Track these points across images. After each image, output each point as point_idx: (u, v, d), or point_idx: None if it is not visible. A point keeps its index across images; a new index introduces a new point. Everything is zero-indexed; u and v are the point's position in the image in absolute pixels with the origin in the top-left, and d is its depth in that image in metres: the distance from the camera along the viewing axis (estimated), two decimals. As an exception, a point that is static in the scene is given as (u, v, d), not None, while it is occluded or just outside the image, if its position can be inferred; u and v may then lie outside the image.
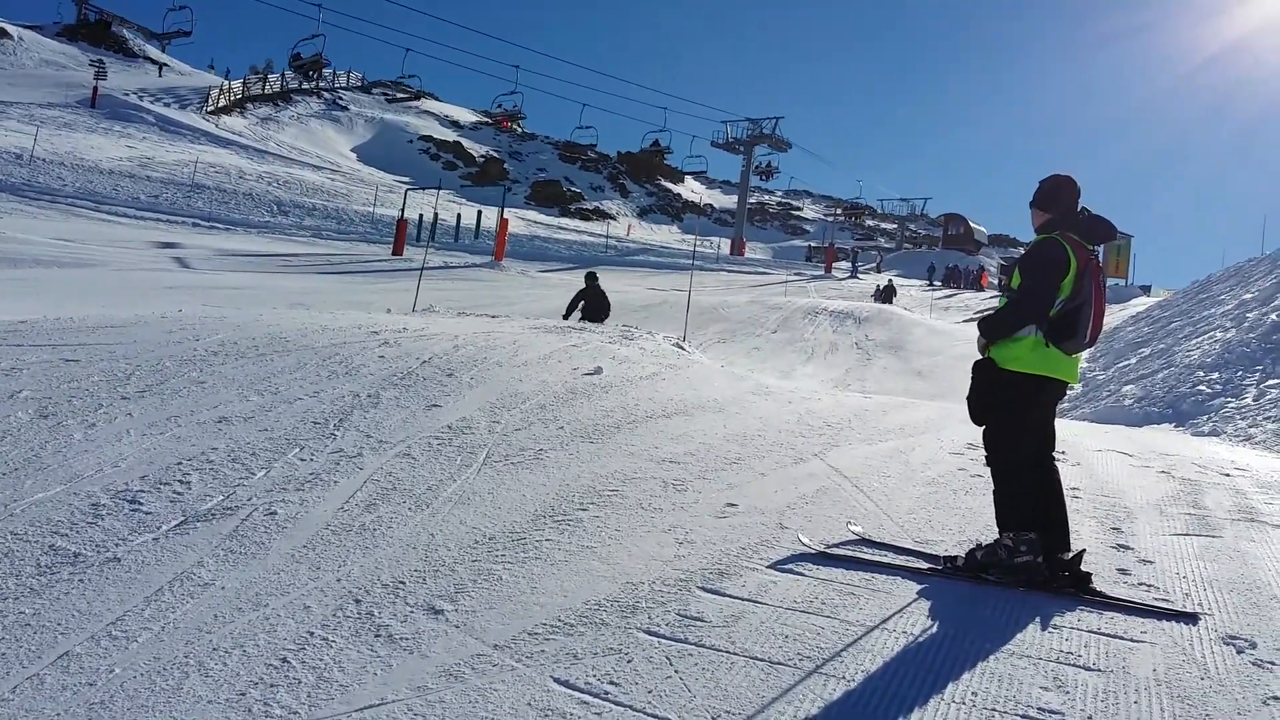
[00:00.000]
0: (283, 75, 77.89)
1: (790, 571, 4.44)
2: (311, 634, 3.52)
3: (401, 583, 4.03)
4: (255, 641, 3.43)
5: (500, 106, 63.65)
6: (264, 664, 3.28)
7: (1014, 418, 4.54)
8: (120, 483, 4.92)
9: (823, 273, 52.95)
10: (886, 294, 39.69)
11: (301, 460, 5.56)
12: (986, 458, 4.68)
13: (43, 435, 5.61)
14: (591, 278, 18.64)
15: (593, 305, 18.03)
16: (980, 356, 4.70)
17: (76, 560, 4.02)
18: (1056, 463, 4.72)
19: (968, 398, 4.70)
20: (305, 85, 68.41)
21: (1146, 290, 53.10)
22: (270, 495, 4.95)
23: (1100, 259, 4.74)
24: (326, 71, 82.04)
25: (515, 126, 68.96)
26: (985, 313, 4.98)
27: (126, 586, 3.82)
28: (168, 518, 4.54)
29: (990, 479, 4.67)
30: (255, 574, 4.03)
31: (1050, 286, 4.45)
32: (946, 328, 28.84)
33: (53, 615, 3.54)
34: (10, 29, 70.22)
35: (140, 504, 4.66)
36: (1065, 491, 4.69)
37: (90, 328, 8.97)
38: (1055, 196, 4.68)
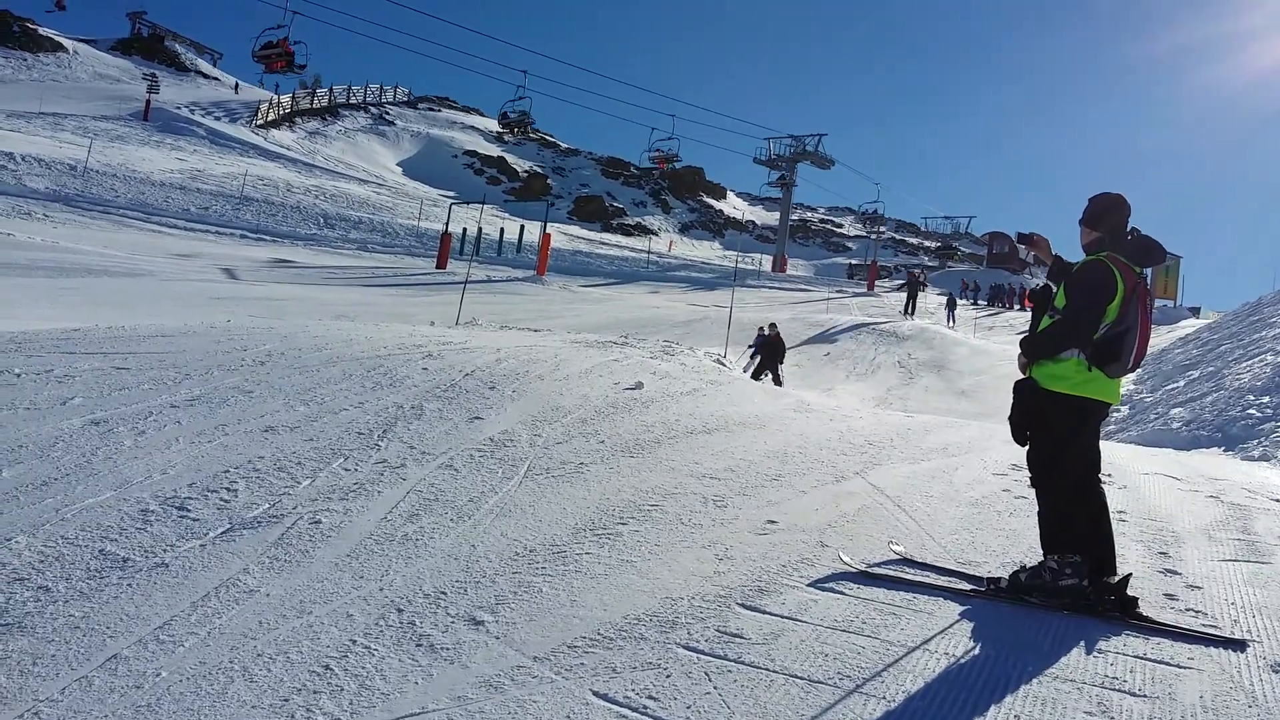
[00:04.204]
0: (330, 90, 79.07)
1: (831, 590, 4.42)
2: (354, 642, 3.55)
3: (443, 593, 4.06)
4: (299, 648, 3.47)
5: (658, 150, 66.59)
6: (307, 671, 3.31)
7: (1057, 438, 4.48)
8: (169, 489, 5.00)
9: (865, 290, 52.62)
10: (913, 288, 38.14)
11: (346, 470, 5.62)
12: (1030, 479, 4.63)
13: (94, 441, 5.71)
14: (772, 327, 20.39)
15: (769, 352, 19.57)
16: (1022, 376, 4.66)
17: (125, 565, 4.09)
18: (1103, 485, 4.65)
19: (1010, 418, 4.66)
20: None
21: (1195, 312, 52.33)
22: (315, 504, 5.00)
23: (1148, 281, 4.67)
24: (373, 86, 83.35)
25: (670, 167, 71.92)
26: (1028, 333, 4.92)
27: (174, 592, 3.88)
28: (215, 525, 4.60)
29: (1035, 500, 4.62)
30: (299, 582, 4.08)
31: (1096, 311, 4.39)
32: (990, 347, 28.56)
33: (101, 618, 3.60)
34: (66, 42, 71.91)
35: (188, 511, 4.73)
36: (1112, 515, 4.62)
37: (141, 337, 9.12)
38: (1105, 215, 4.61)
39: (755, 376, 18.75)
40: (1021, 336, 4.87)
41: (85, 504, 4.71)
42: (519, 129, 63.50)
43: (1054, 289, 4.75)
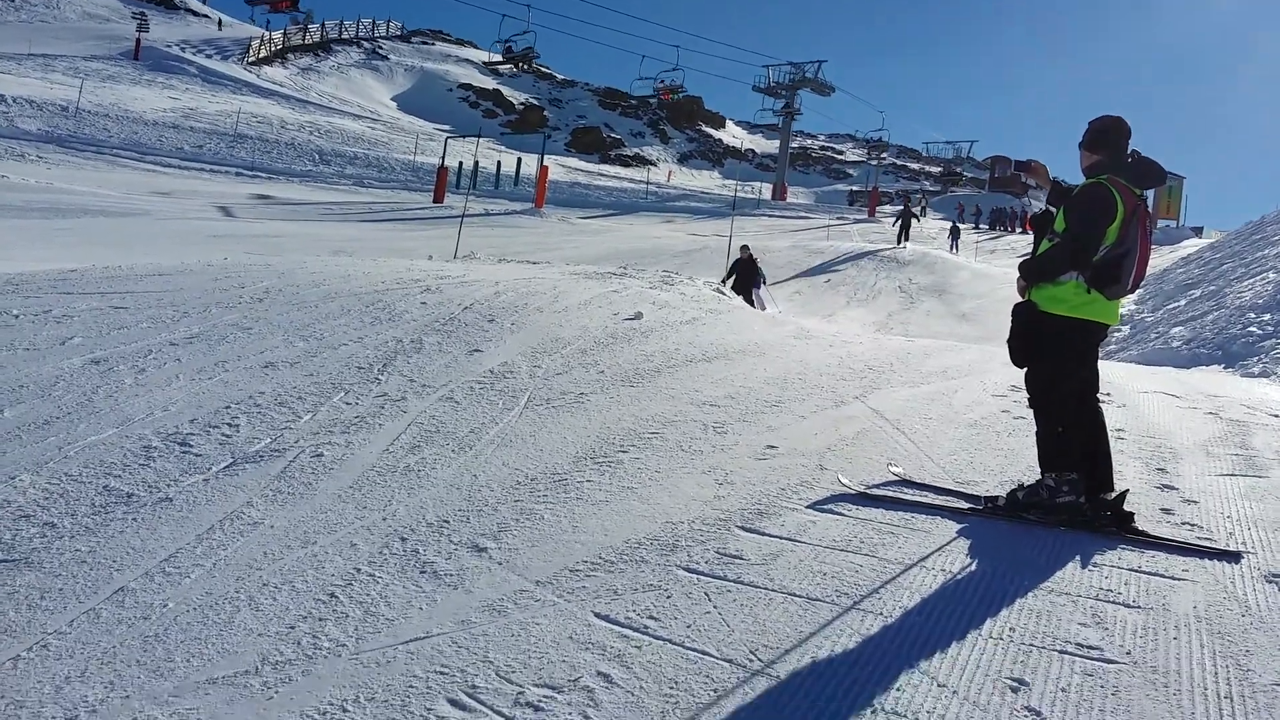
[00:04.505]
0: (323, 25, 77.91)
1: (829, 511, 4.45)
2: (358, 570, 3.60)
3: (446, 521, 4.10)
4: (304, 577, 3.51)
5: (663, 81, 65.96)
6: (312, 599, 3.36)
7: (1056, 360, 4.49)
8: (170, 426, 5.02)
9: (866, 216, 52.21)
10: (905, 217, 35.12)
11: (347, 404, 5.64)
12: (1029, 400, 4.65)
13: (94, 380, 5.73)
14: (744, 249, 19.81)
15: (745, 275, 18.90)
16: (1021, 299, 4.66)
17: (130, 500, 4.12)
18: (1101, 404, 4.67)
19: (1008, 340, 4.66)
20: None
21: (1198, 232, 52.06)
22: (317, 438, 5.03)
23: (1149, 203, 4.64)
24: (365, 21, 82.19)
25: (675, 98, 71.96)
26: (1026, 256, 4.91)
27: (178, 525, 3.92)
28: (217, 459, 4.64)
29: (1033, 421, 4.64)
30: (303, 513, 4.11)
31: (1096, 232, 4.37)
32: (991, 271, 28.47)
33: (107, 552, 3.64)
34: (53, -19, 70.65)
35: (190, 446, 4.76)
36: (1110, 433, 4.65)
37: (138, 276, 9.10)
38: (1105, 138, 4.56)
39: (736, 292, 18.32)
40: (1022, 260, 4.85)
41: (88, 441, 4.74)
42: (523, 63, 62.61)
43: (1054, 213, 4.72)
